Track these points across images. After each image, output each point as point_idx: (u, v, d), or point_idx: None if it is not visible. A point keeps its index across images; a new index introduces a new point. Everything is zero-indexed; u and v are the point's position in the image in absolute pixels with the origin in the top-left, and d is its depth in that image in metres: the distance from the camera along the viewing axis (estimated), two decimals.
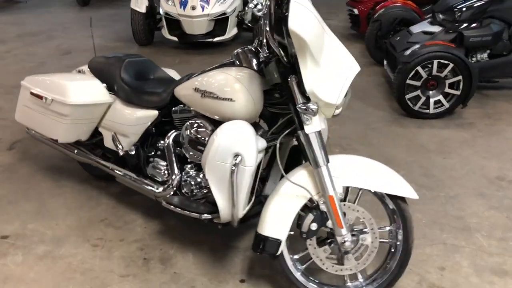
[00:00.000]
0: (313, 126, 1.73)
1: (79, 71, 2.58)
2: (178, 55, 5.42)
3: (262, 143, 1.87)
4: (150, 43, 5.75)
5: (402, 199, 1.85)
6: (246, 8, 1.69)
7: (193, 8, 5.11)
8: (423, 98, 3.65)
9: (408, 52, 3.64)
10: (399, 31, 4.56)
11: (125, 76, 2.35)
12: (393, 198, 1.84)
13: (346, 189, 1.89)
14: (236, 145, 1.78)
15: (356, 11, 5.68)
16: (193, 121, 2.05)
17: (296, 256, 1.93)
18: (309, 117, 1.70)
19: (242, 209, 1.85)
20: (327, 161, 1.76)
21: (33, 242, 2.31)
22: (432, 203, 2.64)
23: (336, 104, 1.71)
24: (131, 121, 2.28)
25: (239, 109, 1.88)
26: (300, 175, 1.82)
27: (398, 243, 1.88)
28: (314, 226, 1.81)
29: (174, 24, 5.33)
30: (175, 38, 5.38)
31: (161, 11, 5.37)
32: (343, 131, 3.51)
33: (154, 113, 2.23)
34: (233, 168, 1.77)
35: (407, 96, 3.65)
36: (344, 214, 1.83)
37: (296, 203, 1.81)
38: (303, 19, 1.53)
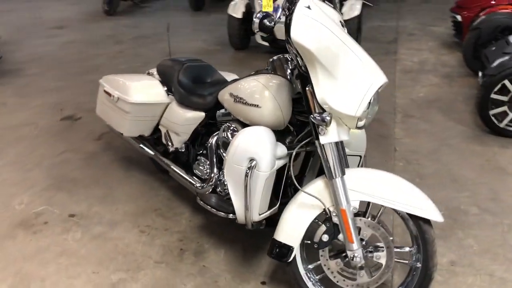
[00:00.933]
0: (329, 137, 1.72)
1: (148, 73, 2.84)
2: (266, 60, 5.56)
3: (282, 150, 1.90)
4: (245, 48, 5.97)
5: (425, 220, 1.75)
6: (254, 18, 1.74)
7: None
8: (511, 115, 3.32)
9: (495, 63, 3.34)
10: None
11: (182, 79, 2.53)
12: (414, 218, 1.75)
13: (368, 204, 1.84)
14: (252, 149, 1.84)
15: (459, 17, 5.29)
16: (229, 124, 2.15)
17: (310, 266, 1.93)
18: (324, 127, 1.70)
19: (257, 213, 1.91)
20: (343, 173, 1.74)
21: (93, 223, 2.60)
22: (491, 230, 2.42)
23: (356, 116, 1.68)
24: (182, 121, 2.45)
25: (266, 115, 1.93)
26: (317, 185, 1.82)
27: (418, 266, 1.79)
28: (325, 238, 1.81)
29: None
30: (266, 43, 5.53)
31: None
32: (414, 145, 3.34)
33: (201, 114, 2.37)
34: (248, 171, 1.84)
35: (492, 112, 3.35)
36: (360, 229, 1.80)
37: (310, 213, 1.82)
38: (307, 29, 1.54)
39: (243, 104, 2.01)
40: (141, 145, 2.78)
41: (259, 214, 1.92)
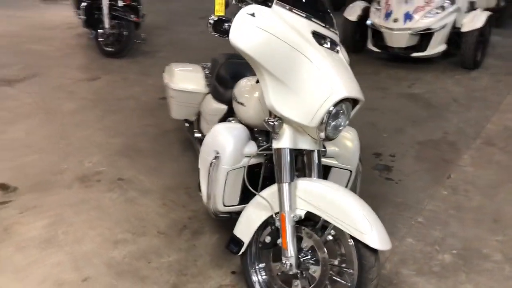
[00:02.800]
0: (281, 142, 1.77)
1: (203, 66, 3.10)
2: (374, 65, 5.41)
3: (252, 148, 1.98)
4: (359, 51, 5.87)
5: (367, 246, 1.67)
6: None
7: (395, 20, 5.00)
8: None
9: None
10: None
11: (221, 72, 2.73)
12: (356, 240, 1.69)
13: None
14: (217, 143, 1.96)
15: None
16: (229, 119, 2.29)
17: (260, 265, 1.99)
18: (277, 132, 1.75)
19: (221, 203, 2.02)
20: (291, 180, 1.77)
21: (131, 188, 2.98)
22: (502, 282, 2.15)
23: (310, 126, 1.69)
24: (209, 110, 2.67)
25: (249, 114, 2.04)
26: (272, 189, 1.86)
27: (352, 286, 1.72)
28: (268, 239, 1.86)
29: (377, 35, 5.33)
30: (376, 49, 5.38)
31: (368, 21, 5.44)
32: (475, 175, 3.03)
33: (224, 107, 2.55)
34: (212, 162, 1.97)
35: None
36: (301, 238, 1.81)
37: (262, 214, 1.87)
38: (246, 34, 1.59)
39: (235, 101, 2.14)
40: (186, 128, 3.08)
41: (224, 205, 2.04)
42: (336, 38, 1.88)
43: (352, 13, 5.58)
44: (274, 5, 1.68)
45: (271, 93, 1.69)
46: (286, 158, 1.77)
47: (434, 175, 3.02)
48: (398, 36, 5.02)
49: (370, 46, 5.46)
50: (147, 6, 6.80)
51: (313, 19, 1.75)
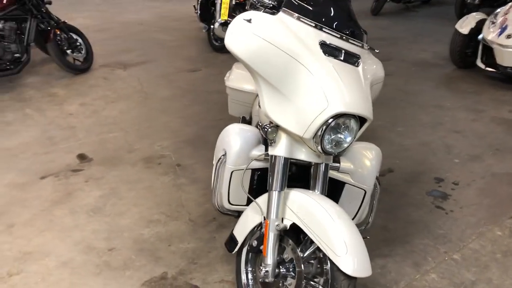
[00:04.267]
0: (276, 150, 1.77)
1: None
2: (479, 83, 4.92)
3: (258, 152, 1.99)
4: (466, 67, 5.38)
5: (341, 270, 1.60)
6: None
7: (508, 36, 4.48)
8: None
9: None
10: None
11: None
12: (332, 262, 1.63)
13: None
14: (226, 142, 2.02)
15: None
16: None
17: (250, 268, 2.01)
18: (270, 139, 1.76)
19: (226, 201, 2.07)
20: (281, 188, 1.77)
21: (183, 175, 3.18)
22: None
23: (303, 137, 1.68)
24: (254, 111, 2.73)
25: (261, 118, 2.07)
26: (267, 195, 1.87)
27: None
28: (254, 243, 1.87)
29: (488, 51, 4.83)
30: (484, 67, 4.89)
31: (480, 36, 4.96)
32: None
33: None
34: (219, 160, 2.03)
35: None
36: (284, 248, 1.80)
37: (256, 218, 1.90)
38: (240, 40, 1.60)
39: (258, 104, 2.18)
40: None
41: (231, 204, 2.09)
42: (358, 50, 1.80)
43: (465, 25, 5.14)
44: (281, 13, 1.69)
45: (266, 100, 1.70)
46: (279, 166, 1.76)
47: (493, 213, 2.70)
48: (509, 54, 4.50)
49: (479, 63, 4.98)
50: None
51: (325, 30, 1.71)
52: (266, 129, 1.73)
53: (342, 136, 1.72)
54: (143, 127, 3.97)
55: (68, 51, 5.29)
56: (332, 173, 2.09)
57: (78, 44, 5.40)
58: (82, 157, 3.45)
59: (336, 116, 1.64)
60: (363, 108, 1.69)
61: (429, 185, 3.00)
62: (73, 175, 3.19)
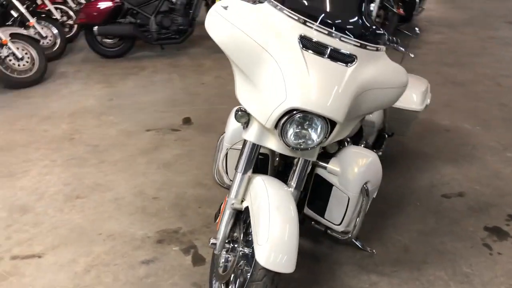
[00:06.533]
0: (247, 134, 1.84)
1: None
2: None
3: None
4: None
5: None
6: None
7: None
8: None
9: None
10: None
11: None
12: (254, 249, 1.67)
13: None
14: (227, 122, 2.13)
15: None
16: None
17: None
18: (241, 122, 1.84)
19: (226, 177, 2.20)
20: (245, 172, 1.84)
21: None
22: None
23: (265, 125, 1.73)
24: None
25: None
26: None
27: None
28: (216, 216, 1.98)
29: None
30: None
31: None
32: None
33: None
34: (220, 138, 2.17)
35: None
36: (234, 228, 1.88)
37: None
38: (215, 25, 1.69)
39: None
40: None
41: (230, 180, 2.21)
42: (354, 49, 1.70)
43: None
44: (266, 3, 1.73)
45: (238, 85, 1.78)
46: (247, 151, 1.83)
47: None
48: None
49: None
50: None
51: (309, 24, 1.67)
52: (236, 113, 1.81)
53: (307, 133, 1.69)
54: None
55: None
56: (323, 173, 2.05)
57: None
58: (186, 120, 3.92)
59: (300, 111, 1.62)
60: (329, 108, 1.62)
61: (494, 220, 2.56)
62: (169, 133, 3.68)
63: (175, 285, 2.15)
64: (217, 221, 2.11)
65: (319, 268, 2.25)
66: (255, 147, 1.83)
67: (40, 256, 2.34)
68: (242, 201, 1.86)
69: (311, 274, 2.21)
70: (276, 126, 1.67)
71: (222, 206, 2.05)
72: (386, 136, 2.85)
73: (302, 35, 1.66)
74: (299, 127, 1.68)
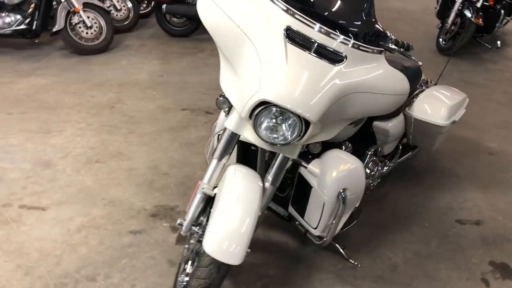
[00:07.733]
0: (227, 122, 1.84)
1: None
2: None
3: None
4: None
5: None
6: None
7: None
8: None
9: None
10: None
11: None
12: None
13: None
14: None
15: None
16: None
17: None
18: (221, 109, 1.84)
19: None
20: (220, 159, 1.85)
21: None
22: None
23: (241, 114, 1.72)
24: None
25: None
26: None
27: None
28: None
29: None
30: None
31: None
32: None
33: None
34: (215, 122, 2.19)
35: None
36: (204, 213, 1.89)
37: None
38: (204, 8, 1.69)
39: None
40: None
41: None
42: (344, 48, 1.62)
43: None
44: None
45: (221, 70, 1.78)
46: (225, 138, 1.82)
47: None
48: None
49: None
50: None
51: (297, 16, 1.62)
52: (217, 99, 1.82)
53: (280, 128, 1.65)
54: None
55: None
56: (305, 173, 2.00)
57: None
58: (207, 110, 3.95)
59: (273, 105, 1.59)
60: (301, 106, 1.57)
61: (505, 256, 2.33)
62: (201, 115, 3.76)
63: (152, 258, 2.21)
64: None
65: (296, 269, 2.20)
66: (234, 135, 1.82)
67: (44, 209, 2.51)
68: (215, 188, 1.86)
69: (286, 274, 2.17)
70: (250, 116, 1.65)
71: (194, 190, 2.07)
72: (400, 147, 2.70)
73: (289, 26, 1.61)
74: (274, 121, 1.64)
